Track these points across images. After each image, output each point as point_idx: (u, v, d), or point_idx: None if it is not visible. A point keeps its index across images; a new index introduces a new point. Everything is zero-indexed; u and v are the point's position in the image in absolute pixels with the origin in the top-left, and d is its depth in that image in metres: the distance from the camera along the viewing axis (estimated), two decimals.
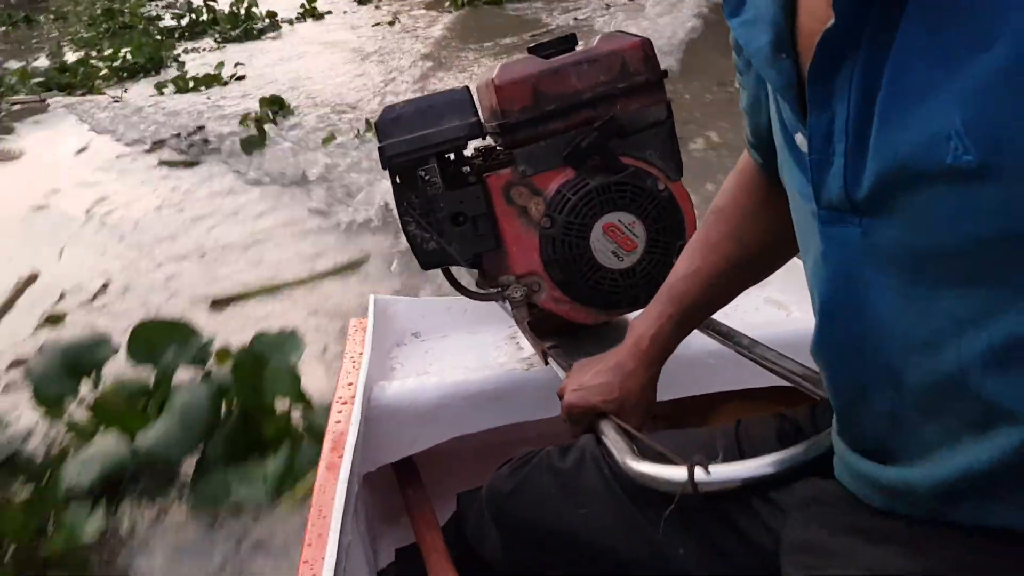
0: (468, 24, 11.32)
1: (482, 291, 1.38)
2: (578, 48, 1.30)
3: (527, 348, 1.51)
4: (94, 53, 12.59)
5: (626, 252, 1.27)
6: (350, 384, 1.39)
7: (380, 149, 1.24)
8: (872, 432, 0.68)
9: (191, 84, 9.18)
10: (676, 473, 0.83)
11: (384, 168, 1.26)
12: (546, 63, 1.25)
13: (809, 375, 1.01)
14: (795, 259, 1.76)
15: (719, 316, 1.37)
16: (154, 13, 16.19)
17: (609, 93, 1.24)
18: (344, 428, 1.23)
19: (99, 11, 16.71)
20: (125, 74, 10.88)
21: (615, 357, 1.03)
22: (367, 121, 6.16)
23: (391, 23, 12.28)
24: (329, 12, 14.18)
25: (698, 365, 1.38)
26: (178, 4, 16.87)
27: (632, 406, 1.00)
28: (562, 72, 1.24)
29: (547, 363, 1.30)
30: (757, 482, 0.81)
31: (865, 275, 0.62)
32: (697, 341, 1.32)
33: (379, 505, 1.44)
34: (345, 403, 1.31)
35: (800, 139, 0.65)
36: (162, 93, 8.98)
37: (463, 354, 1.54)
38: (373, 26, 12.10)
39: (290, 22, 13.73)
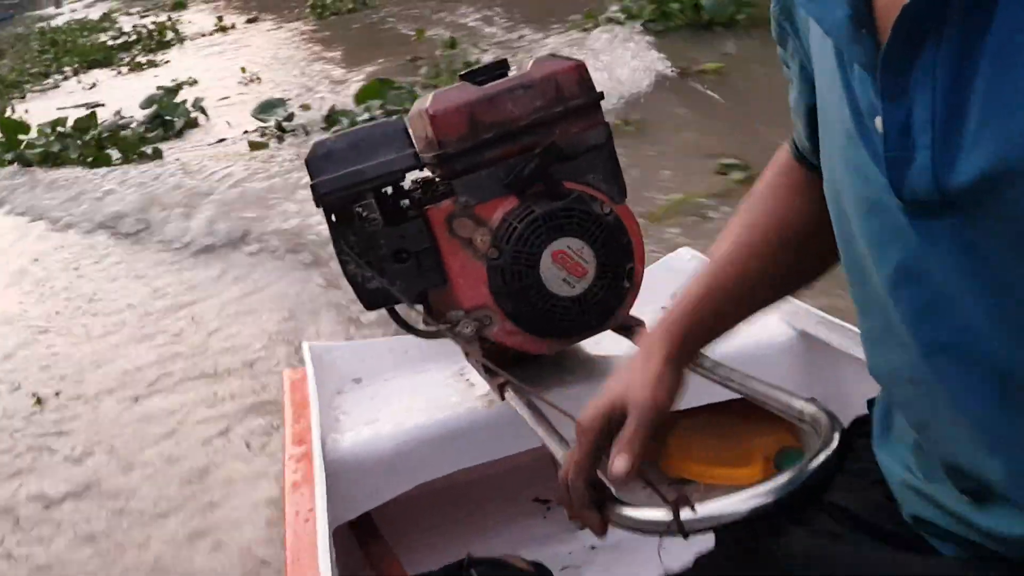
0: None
1: (430, 329, 1.33)
2: (511, 73, 1.27)
3: (479, 384, 1.46)
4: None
5: (577, 278, 1.23)
6: (300, 441, 1.32)
7: (313, 187, 1.19)
8: (968, 462, 0.62)
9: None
10: (657, 515, 0.77)
11: (318, 206, 1.21)
12: (481, 90, 1.22)
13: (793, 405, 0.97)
14: None
15: None
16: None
17: (547, 118, 1.22)
18: (305, 483, 1.16)
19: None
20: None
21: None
22: None
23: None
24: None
25: None
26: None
27: (639, 407, 0.79)
28: (498, 99, 1.21)
29: (503, 398, 1.25)
30: (758, 514, 0.76)
31: (955, 273, 0.57)
32: None
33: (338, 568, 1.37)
34: (300, 460, 1.24)
35: (880, 123, 0.59)
36: None
37: (412, 397, 1.49)
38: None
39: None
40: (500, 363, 1.29)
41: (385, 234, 1.22)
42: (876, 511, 0.74)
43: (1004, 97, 0.49)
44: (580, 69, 1.24)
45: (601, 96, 1.25)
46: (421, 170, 1.26)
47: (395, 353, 1.64)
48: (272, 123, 6.86)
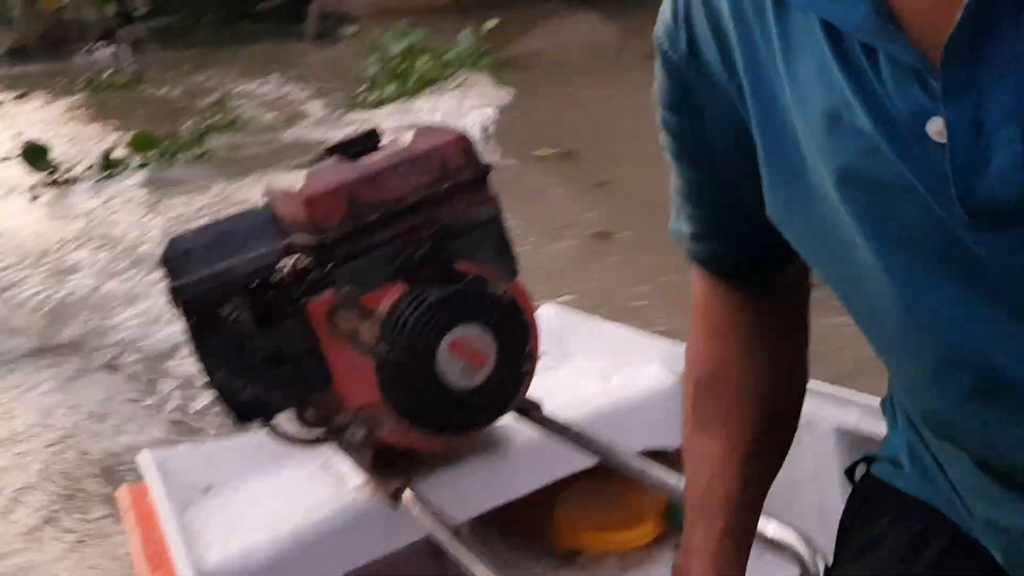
0: None
1: (309, 437, 1.18)
2: (383, 143, 1.15)
3: (349, 474, 1.32)
4: None
5: (476, 368, 1.13)
6: (157, 566, 1.13)
7: (172, 289, 1.01)
8: None
9: None
10: None
11: (178, 310, 1.03)
12: (359, 167, 1.09)
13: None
14: (573, 315, 1.71)
15: (553, 407, 1.30)
16: None
17: (434, 195, 1.11)
18: None
19: None
20: None
21: None
22: None
23: None
24: None
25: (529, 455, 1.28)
26: None
27: None
28: (380, 177, 1.09)
29: (399, 504, 1.13)
30: None
31: None
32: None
33: None
34: None
35: (939, 126, 0.50)
36: None
37: (278, 499, 1.32)
38: None
39: None
40: (391, 464, 1.17)
41: (258, 337, 1.06)
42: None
43: None
44: (464, 141, 1.14)
45: (489, 168, 1.15)
46: (295, 256, 1.10)
47: (247, 450, 1.46)
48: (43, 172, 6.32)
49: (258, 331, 1.06)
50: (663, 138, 0.72)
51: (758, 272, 0.76)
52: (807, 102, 0.58)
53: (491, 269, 1.15)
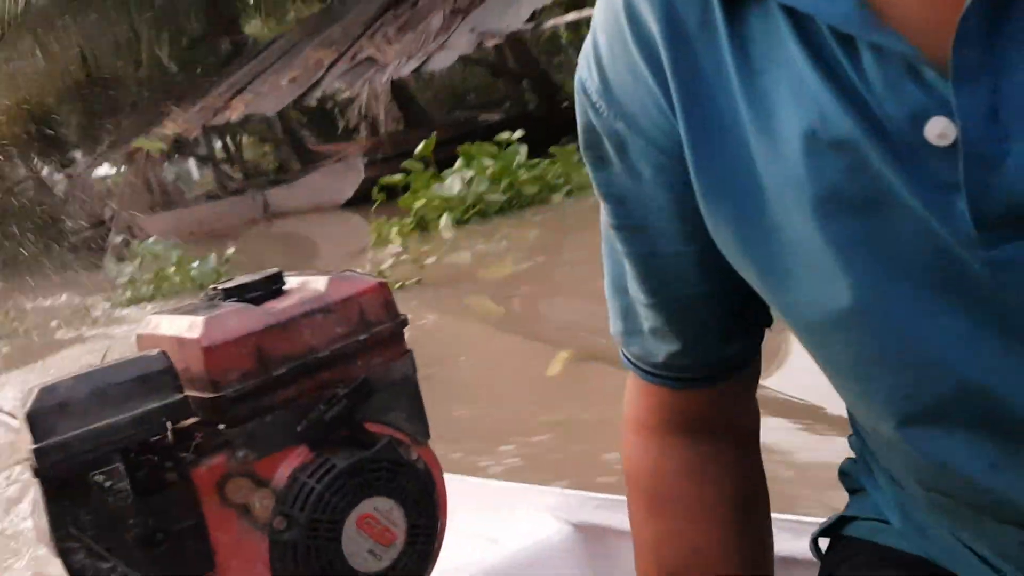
0: None
1: None
2: (288, 287, 1.04)
3: None
4: None
5: (384, 548, 1.00)
6: None
7: (36, 452, 0.83)
8: None
9: None
10: None
11: (38, 477, 0.85)
12: (268, 315, 0.97)
13: None
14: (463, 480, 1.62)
15: None
16: None
17: (350, 348, 1.00)
18: None
19: None
20: None
21: None
22: None
23: None
24: None
25: None
26: None
27: None
28: (292, 326, 0.97)
29: None
30: None
31: None
32: None
33: None
34: None
35: (940, 128, 0.45)
36: None
37: None
38: None
39: None
40: None
41: (135, 510, 0.88)
42: None
43: None
44: (384, 289, 1.05)
45: (406, 320, 1.06)
46: (185, 419, 0.95)
47: None
48: None
49: (135, 503, 0.89)
50: (602, 210, 0.66)
51: (709, 373, 0.70)
52: (774, 123, 0.52)
53: (404, 433, 1.04)
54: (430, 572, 1.07)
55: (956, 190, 0.44)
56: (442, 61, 12.93)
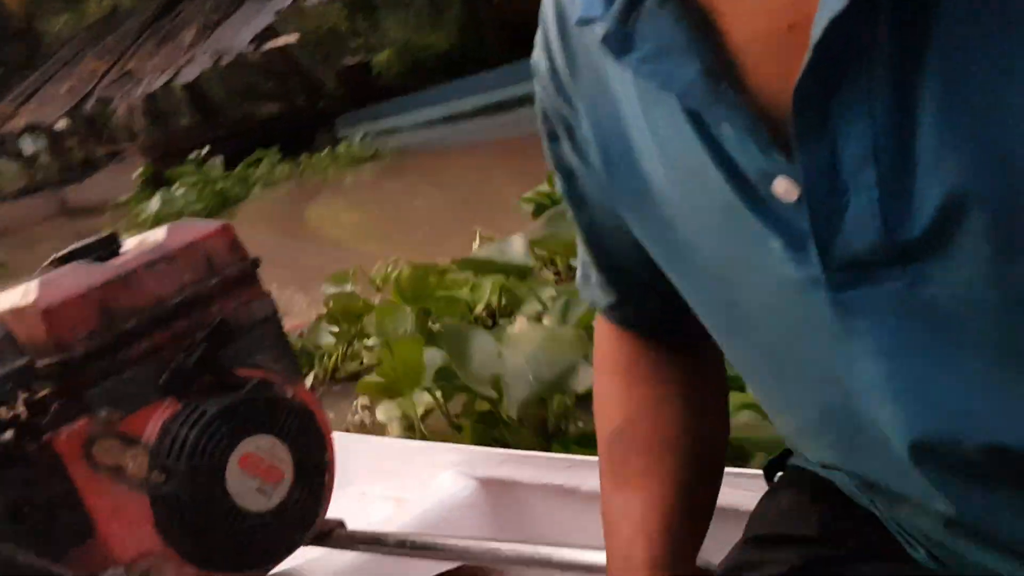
0: None
1: None
2: (127, 248, 1.01)
3: None
4: None
5: (273, 485, 0.98)
6: None
7: None
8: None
9: None
10: None
11: None
12: (107, 269, 0.93)
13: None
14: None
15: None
16: None
17: (201, 293, 0.97)
18: None
19: None
20: None
21: None
22: None
23: None
24: None
25: None
26: None
27: None
28: (133, 278, 0.94)
29: None
30: None
31: (914, 344, 0.48)
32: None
33: None
34: None
35: (784, 186, 0.48)
36: None
37: None
38: None
39: None
40: None
41: None
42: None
43: (965, 107, 0.42)
44: (228, 232, 1.03)
45: (258, 262, 1.04)
46: (32, 379, 0.90)
47: None
48: None
49: None
50: (558, 181, 0.68)
51: (664, 325, 0.72)
52: (668, 152, 0.55)
53: (274, 373, 1.02)
54: (325, 509, 1.06)
55: (808, 238, 0.48)
56: (188, 75, 15.06)
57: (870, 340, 0.49)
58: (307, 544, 1.08)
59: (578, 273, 0.75)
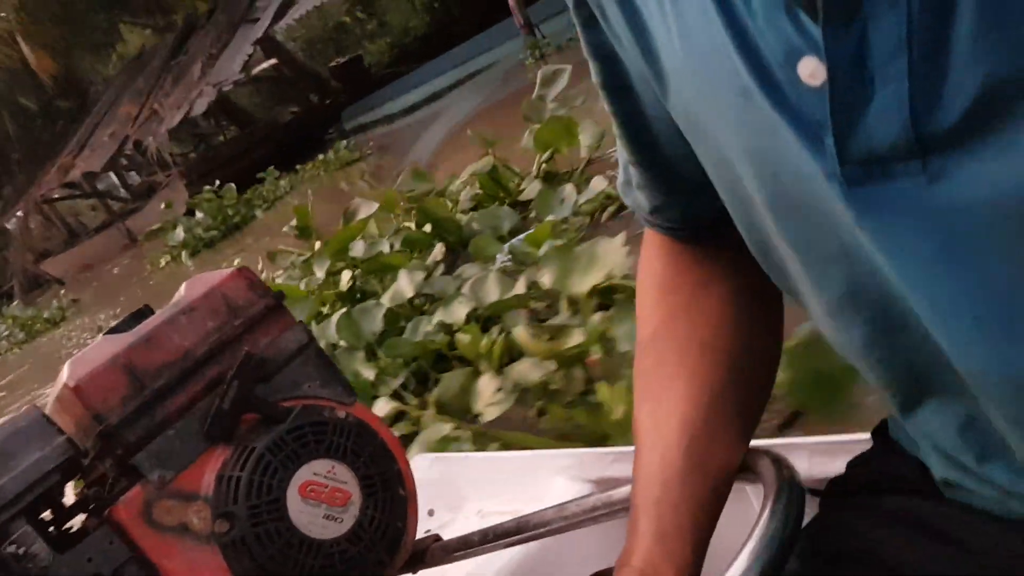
0: None
1: None
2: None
3: None
4: None
5: (341, 508, 0.94)
6: None
7: None
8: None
9: None
10: None
11: None
12: (130, 335, 0.94)
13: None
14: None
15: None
16: None
17: (227, 338, 0.97)
18: None
19: None
20: None
21: None
22: None
23: None
24: None
25: None
26: None
27: None
28: (156, 337, 0.94)
29: None
30: None
31: (928, 247, 0.45)
32: None
33: None
34: None
35: (811, 67, 0.45)
36: None
37: None
38: None
39: None
40: None
41: (61, 567, 0.84)
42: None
43: None
44: (244, 274, 1.02)
45: (282, 296, 1.03)
46: (83, 462, 0.91)
47: None
48: None
49: (58, 560, 0.85)
50: (591, 67, 0.67)
51: (711, 228, 0.69)
52: (689, 37, 0.53)
53: (323, 398, 1.00)
54: (412, 525, 1.01)
55: (826, 128, 0.46)
56: (199, 108, 18.54)
57: (884, 239, 0.47)
58: (409, 571, 1.04)
59: (619, 178, 0.72)
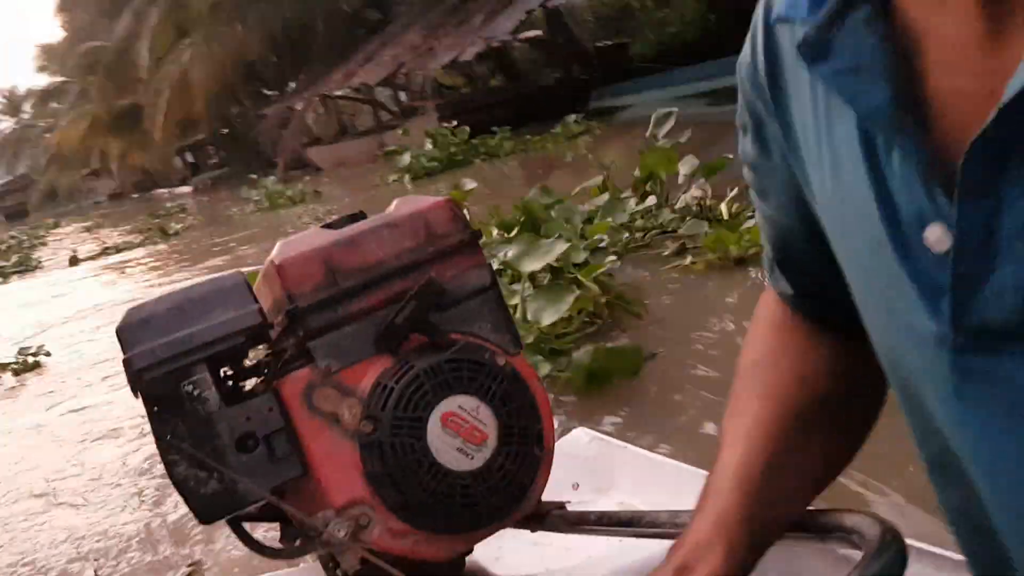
0: None
1: (287, 546, 1.01)
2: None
3: None
4: None
5: (475, 446, 0.98)
6: None
7: (125, 362, 0.92)
8: None
9: None
10: None
11: (133, 390, 0.93)
12: (337, 233, 1.02)
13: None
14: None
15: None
16: None
17: (419, 259, 1.02)
18: None
19: None
20: None
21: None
22: None
23: None
24: None
25: None
26: None
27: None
28: (359, 241, 1.01)
29: None
30: None
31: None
32: None
33: None
34: None
35: (937, 234, 0.47)
36: None
37: None
38: None
39: None
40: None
41: (224, 416, 0.94)
42: None
43: None
44: (450, 205, 1.07)
45: (479, 234, 1.07)
46: (269, 332, 1.00)
47: None
48: None
49: (224, 410, 0.94)
50: (744, 170, 0.72)
51: (839, 320, 0.70)
52: (839, 170, 0.55)
53: (488, 340, 1.03)
54: (540, 486, 1.03)
55: (944, 294, 0.47)
56: (468, 55, 19.69)
57: (982, 411, 0.47)
58: (524, 526, 1.07)
59: (764, 263, 0.77)
